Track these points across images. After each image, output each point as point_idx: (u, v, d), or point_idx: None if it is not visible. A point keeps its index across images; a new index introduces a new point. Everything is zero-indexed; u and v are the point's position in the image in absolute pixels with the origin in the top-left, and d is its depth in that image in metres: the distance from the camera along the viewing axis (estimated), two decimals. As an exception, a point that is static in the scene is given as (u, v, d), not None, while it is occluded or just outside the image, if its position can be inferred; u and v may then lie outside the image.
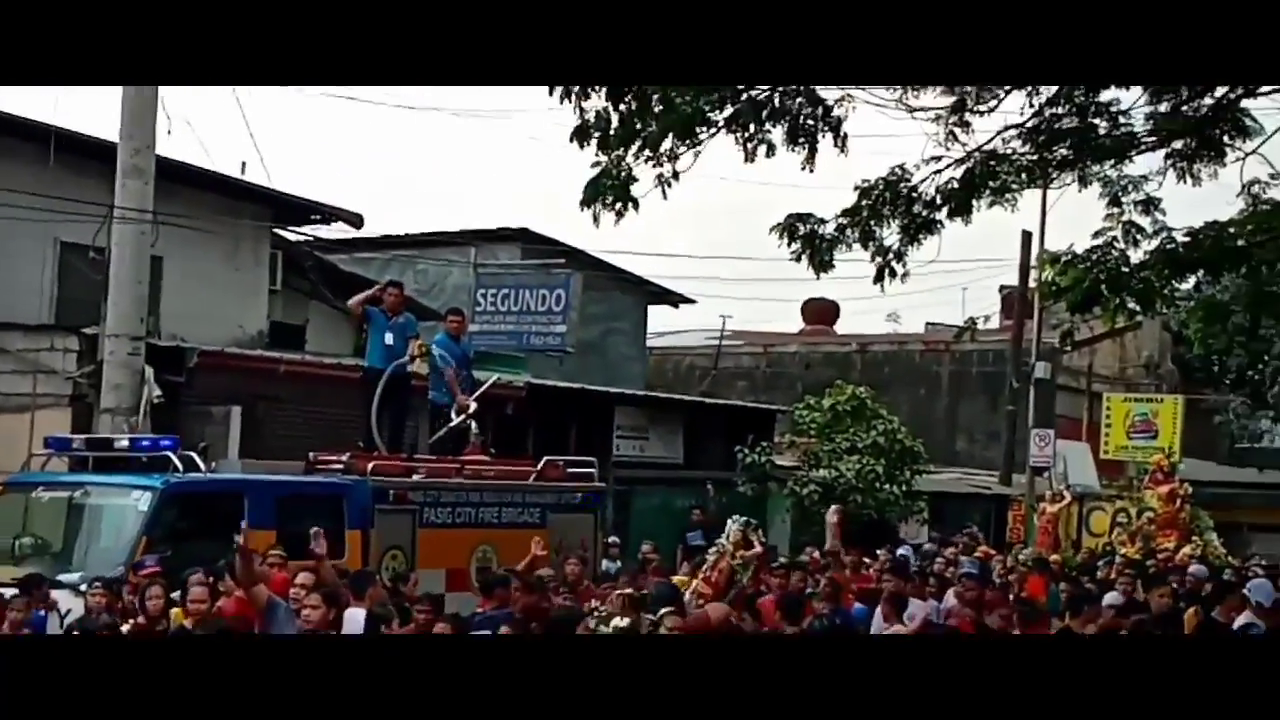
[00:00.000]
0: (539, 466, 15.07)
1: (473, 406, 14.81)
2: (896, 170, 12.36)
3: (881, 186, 12.34)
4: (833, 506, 18.33)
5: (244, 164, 21.28)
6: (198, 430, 15.78)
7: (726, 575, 11.93)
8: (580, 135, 10.96)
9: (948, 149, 12.16)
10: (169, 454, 12.64)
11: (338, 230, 22.68)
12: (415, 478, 13.84)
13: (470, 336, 18.25)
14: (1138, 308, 14.44)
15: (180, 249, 18.30)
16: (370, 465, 13.56)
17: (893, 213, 12.38)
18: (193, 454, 12.77)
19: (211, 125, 21.29)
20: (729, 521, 12.93)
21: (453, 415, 14.75)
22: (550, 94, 10.60)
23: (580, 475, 15.44)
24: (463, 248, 25.41)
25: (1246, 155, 12.76)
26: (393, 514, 13.37)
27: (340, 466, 13.72)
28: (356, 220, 21.83)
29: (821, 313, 39.61)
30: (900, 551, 18.46)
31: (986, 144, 12.28)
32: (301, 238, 22.45)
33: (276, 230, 21.47)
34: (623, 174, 10.98)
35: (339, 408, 15.96)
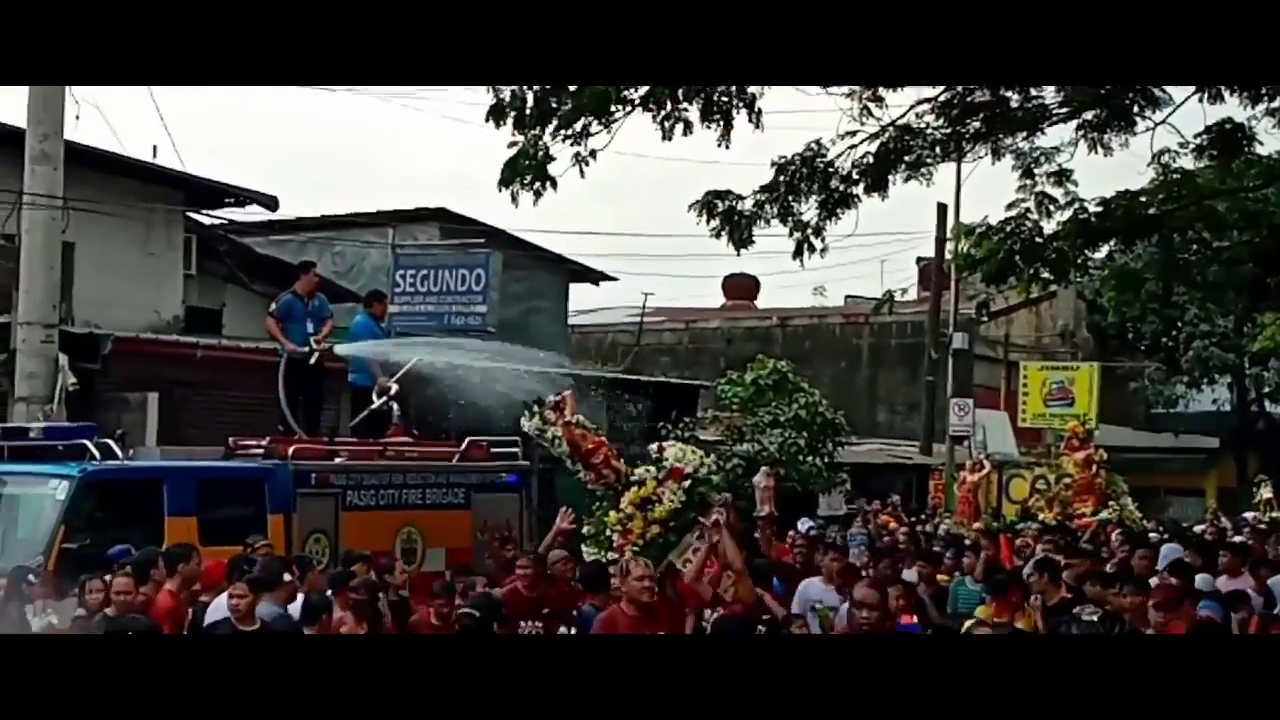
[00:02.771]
0: (462, 447, 15.01)
1: (394, 388, 14.73)
2: (813, 146, 12.46)
3: (798, 163, 12.43)
4: (763, 469, 18.32)
5: (155, 148, 21.02)
6: (115, 418, 15.59)
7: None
8: (496, 115, 10.94)
9: (863, 124, 12.28)
10: (85, 442, 12.49)
11: (253, 213, 22.47)
12: (337, 461, 13.75)
13: (391, 318, 18.16)
14: (1052, 277, 14.65)
15: (92, 235, 18.02)
16: (291, 449, 13.46)
17: (810, 188, 12.48)
18: (109, 442, 12.60)
19: (122, 109, 21.01)
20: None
21: (374, 397, 14.68)
22: (465, 74, 10.56)
23: (504, 455, 15.41)
24: (380, 229, 25.20)
25: (1156, 125, 12.99)
26: (315, 498, 13.27)
27: (261, 451, 13.61)
28: (271, 203, 21.62)
29: (742, 288, 39.78)
30: (809, 524, 18.61)
31: (900, 119, 12.41)
32: (216, 221, 22.21)
33: (190, 214, 21.23)
34: (539, 153, 10.97)
35: (258, 392, 15.82)
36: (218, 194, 21.28)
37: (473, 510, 14.30)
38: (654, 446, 12.41)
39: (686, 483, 11.65)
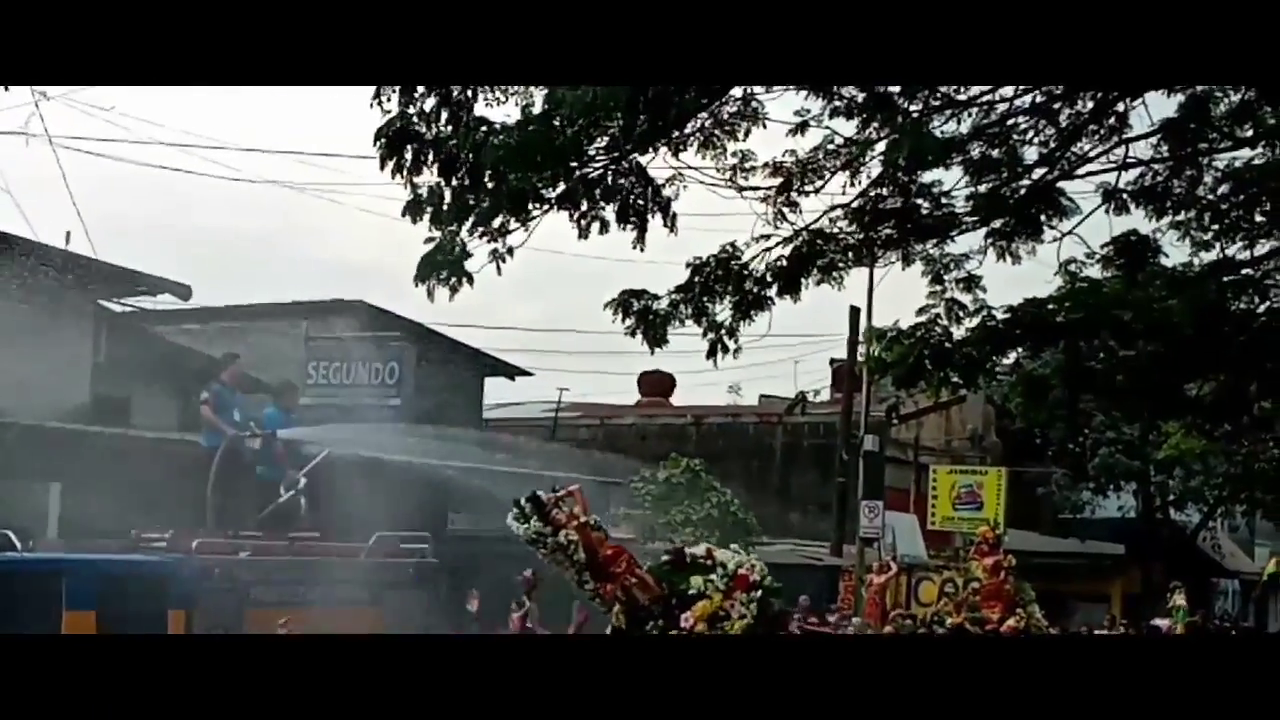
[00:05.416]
0: (370, 543, 14.85)
1: (302, 481, 14.58)
2: (727, 248, 12.57)
3: (713, 264, 12.53)
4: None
5: (69, 233, 20.82)
6: (15, 507, 15.28)
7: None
8: (413, 210, 10.95)
9: (776, 228, 12.42)
10: (-17, 533, 12.23)
11: (165, 302, 22.26)
12: (241, 555, 13.55)
13: (301, 410, 18.01)
14: (961, 382, 14.80)
15: (0, 320, 17.78)
16: (195, 543, 13.26)
17: (724, 289, 12.57)
18: (8, 533, 12.36)
19: (34, 194, 20.84)
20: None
21: (282, 490, 14.51)
22: (381, 169, 10.60)
23: (413, 551, 15.26)
24: (294, 319, 25.08)
25: (1063, 235, 13.24)
26: (218, 593, 13.07)
27: (164, 544, 13.39)
28: (184, 292, 21.46)
29: (658, 385, 39.88)
30: None
31: (814, 223, 12.56)
32: (127, 309, 21.97)
33: (100, 302, 20.99)
34: (456, 250, 10.98)
35: (164, 483, 15.58)
36: (129, 281, 21.08)
37: (381, 608, 14.13)
38: (698, 550, 10.88)
39: (757, 593, 10.27)
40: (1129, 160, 12.85)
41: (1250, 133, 12.78)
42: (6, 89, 15.29)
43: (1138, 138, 12.62)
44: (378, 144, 10.69)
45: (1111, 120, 12.43)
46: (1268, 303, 14.37)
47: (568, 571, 10.04)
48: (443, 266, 10.98)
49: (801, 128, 11.81)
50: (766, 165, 12.07)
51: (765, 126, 11.47)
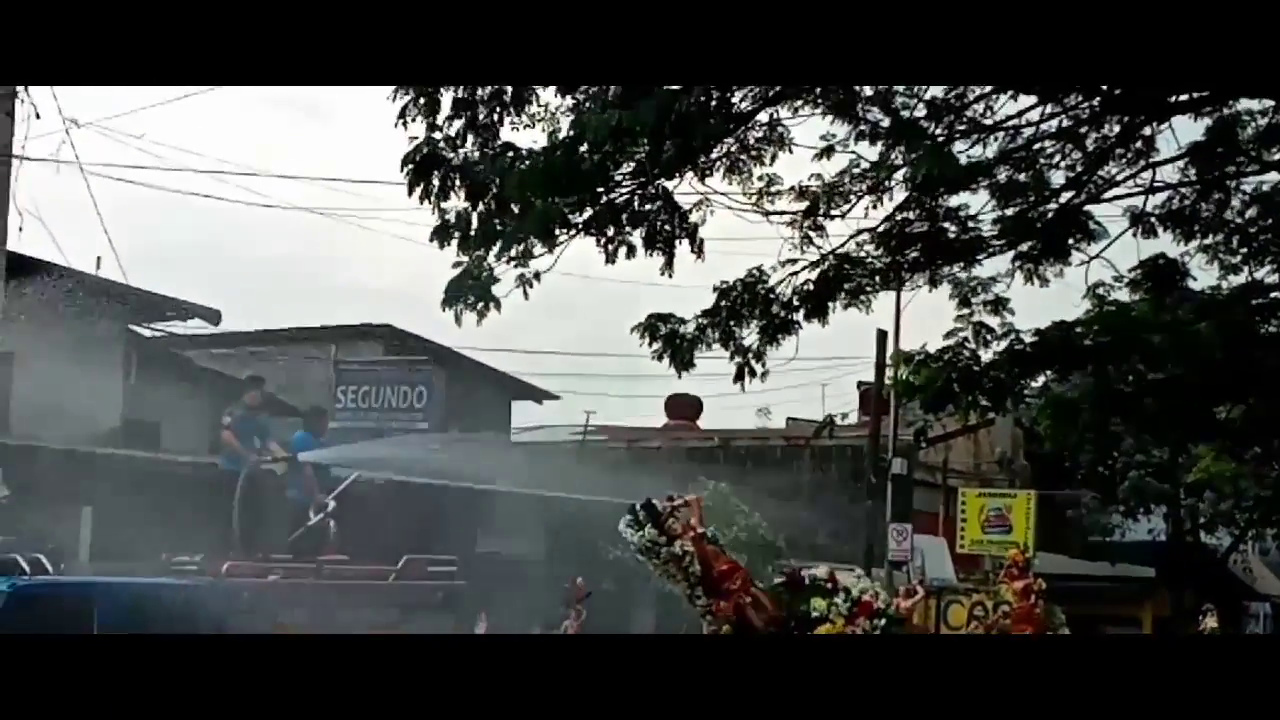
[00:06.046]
0: (399, 565, 14.89)
1: (331, 504, 14.64)
2: (754, 272, 12.61)
3: (740, 288, 12.57)
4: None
5: (99, 259, 21.00)
6: (47, 531, 15.38)
7: None
8: (440, 235, 11.02)
9: (803, 252, 12.46)
10: (16, 556, 12.32)
11: (195, 327, 22.41)
12: (271, 579, 13.61)
13: (331, 434, 18.09)
14: (989, 405, 14.77)
15: (31, 345, 17.92)
16: (225, 566, 13.32)
17: (751, 314, 12.60)
18: (40, 556, 12.45)
19: (66, 220, 21.03)
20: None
21: (310, 514, 14.57)
22: (410, 195, 10.68)
23: (442, 574, 15.30)
24: (323, 344, 25.21)
25: (1091, 259, 13.23)
26: (248, 616, 13.12)
27: (194, 568, 13.46)
28: (214, 317, 21.60)
29: (685, 408, 39.83)
30: None
31: (840, 247, 12.59)
32: (157, 334, 22.12)
33: (131, 327, 21.15)
34: (483, 274, 11.03)
35: (194, 507, 15.67)
36: (160, 307, 21.24)
37: (409, 630, 14.16)
38: (819, 572, 10.42)
39: (881, 621, 9.91)
40: (1156, 184, 12.85)
41: (1278, 156, 12.76)
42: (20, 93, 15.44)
43: (1165, 161, 12.62)
44: (405, 169, 10.78)
45: (1138, 144, 12.44)
46: (1297, 326, 14.32)
47: (679, 585, 9.63)
48: (470, 291, 11.03)
49: (827, 152, 11.84)
50: (792, 189, 12.12)
51: (791, 151, 11.52)
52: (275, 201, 52.90)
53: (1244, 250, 13.53)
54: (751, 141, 11.40)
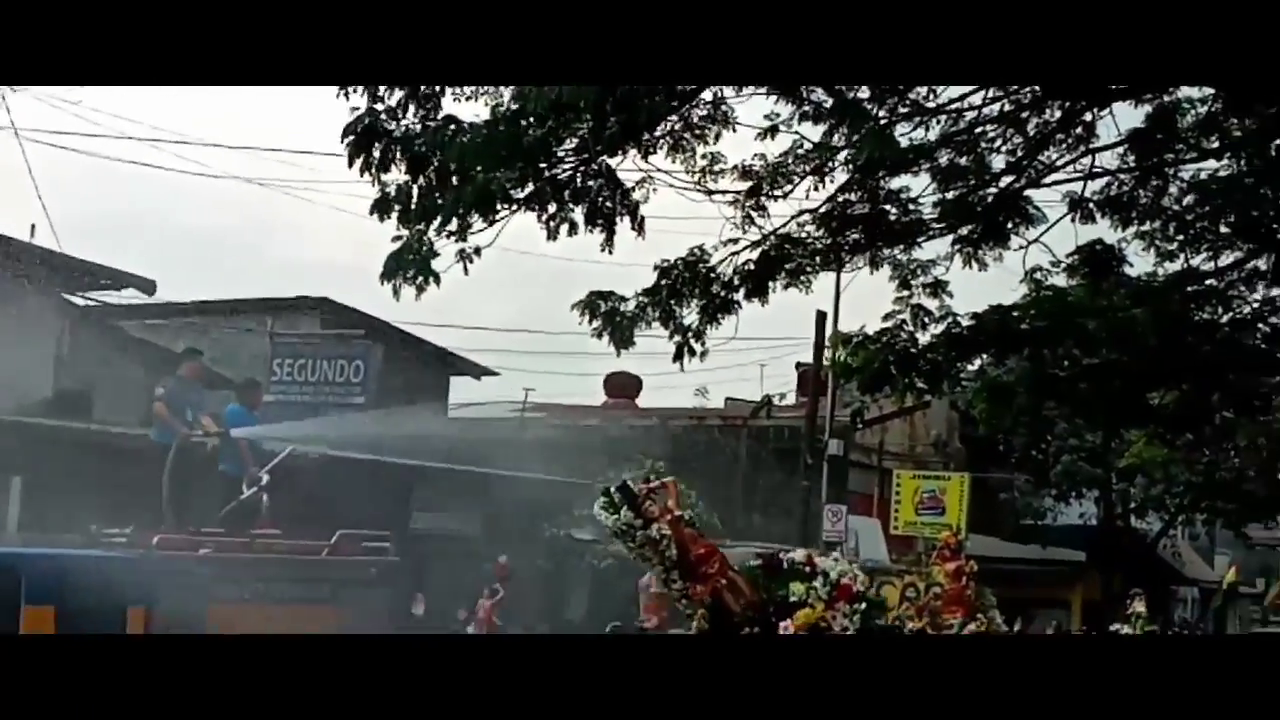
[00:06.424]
0: (332, 541, 14.77)
1: (264, 479, 14.49)
2: (695, 251, 12.59)
3: (681, 267, 12.55)
4: (652, 574, 17.89)
5: (33, 226, 20.69)
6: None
7: None
8: (380, 208, 10.92)
9: (745, 232, 12.45)
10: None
11: (129, 296, 22.14)
12: (202, 552, 13.46)
13: (266, 407, 17.92)
14: (925, 388, 14.85)
15: (-39, 313, 17.66)
16: (155, 539, 13.16)
17: (691, 293, 12.59)
18: (-33, 527, 12.27)
19: (-2, 186, 20.74)
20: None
21: (243, 488, 14.42)
22: (350, 166, 10.57)
23: (375, 550, 15.18)
24: (260, 316, 24.97)
25: (1030, 243, 13.31)
26: (178, 590, 12.96)
27: (124, 540, 13.28)
28: (149, 287, 21.34)
29: (624, 387, 39.80)
30: None
31: (782, 228, 12.60)
32: (91, 304, 21.84)
33: (65, 296, 20.86)
34: (423, 248, 10.95)
35: (125, 479, 15.48)
36: (94, 276, 20.96)
37: (342, 606, 14.06)
38: (796, 555, 10.02)
39: (861, 605, 9.58)
40: (1095, 170, 12.94)
41: (1216, 144, 12.88)
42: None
43: (1104, 147, 12.72)
44: (345, 140, 10.67)
45: (1079, 130, 12.51)
46: (1231, 314, 14.48)
47: (655, 569, 9.40)
48: (409, 265, 10.95)
49: (771, 132, 11.84)
50: (735, 169, 12.10)
51: (735, 130, 11.51)
52: (213, 171, 52.45)
53: (1180, 237, 13.66)
54: (695, 120, 11.37)
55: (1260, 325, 14.66)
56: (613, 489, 9.07)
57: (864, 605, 9.42)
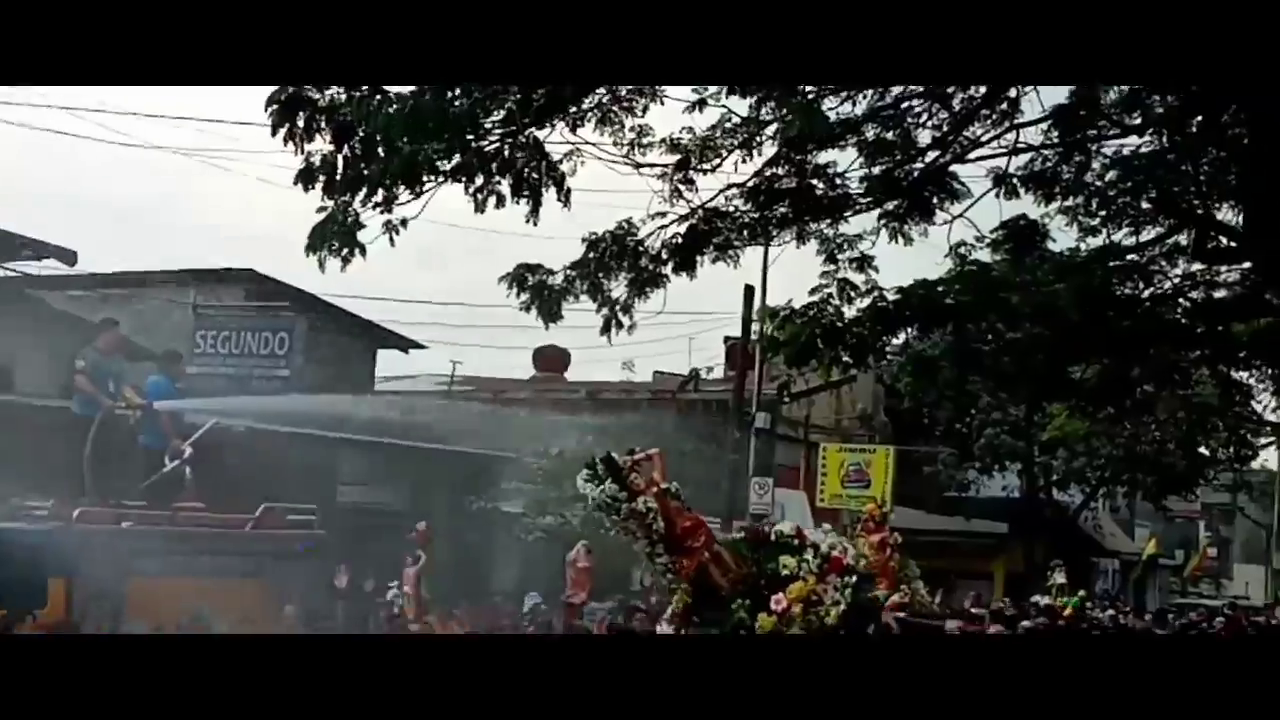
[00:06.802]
0: (257, 514, 14.68)
1: (188, 451, 14.37)
2: (624, 225, 12.58)
3: (609, 240, 12.54)
4: (580, 546, 17.87)
5: (-51, 195, 20.33)
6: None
7: None
8: (305, 179, 10.82)
9: (673, 205, 12.45)
10: None
11: (49, 267, 21.82)
12: (124, 525, 13.34)
13: (189, 379, 17.74)
14: (851, 361, 14.93)
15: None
16: (77, 512, 13.03)
17: (620, 266, 12.59)
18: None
19: (-86, 153, 20.39)
20: None
21: (166, 460, 14.29)
22: (273, 135, 10.45)
23: (300, 523, 15.11)
24: (183, 288, 24.69)
25: (954, 218, 13.39)
26: (100, 563, 12.85)
27: (45, 513, 13.14)
28: (69, 257, 21.03)
29: (552, 360, 39.78)
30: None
31: (710, 201, 12.60)
32: (10, 274, 21.50)
33: (-17, 265, 20.54)
34: (349, 220, 10.87)
35: (47, 451, 15.28)
36: (13, 246, 20.64)
37: (266, 579, 13.99)
38: (785, 527, 9.83)
39: (851, 578, 9.41)
40: (1020, 145, 13.05)
41: (1139, 121, 13.01)
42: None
43: (1029, 123, 12.80)
44: (269, 110, 10.55)
45: (1003, 105, 12.59)
46: (1152, 288, 14.65)
47: (641, 543, 9.01)
48: (334, 237, 10.87)
49: (699, 105, 11.83)
50: (664, 142, 12.09)
51: (663, 103, 11.49)
52: (135, 140, 51.70)
53: (1103, 213, 13.79)
54: (623, 92, 11.34)
55: (1180, 300, 14.85)
56: (597, 459, 8.79)
57: (854, 579, 9.33)
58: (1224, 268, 14.41)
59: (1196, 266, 14.45)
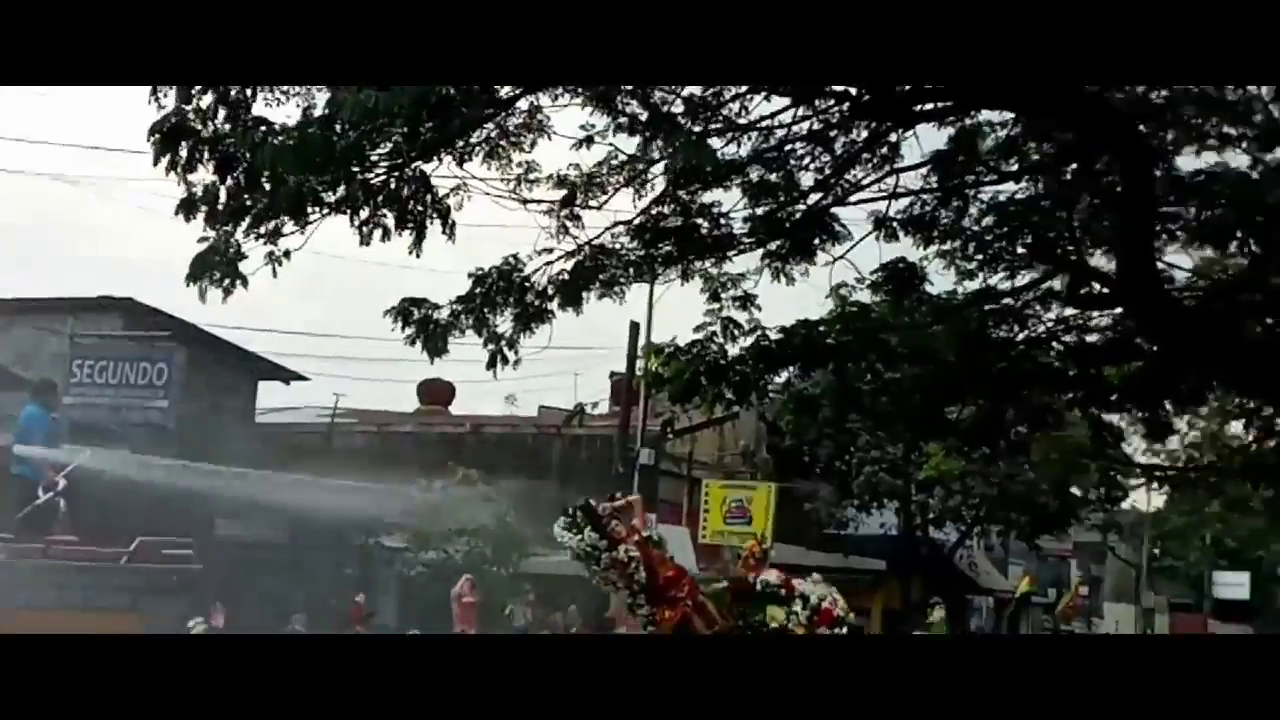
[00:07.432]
0: (132, 547, 14.42)
1: (62, 483, 14.09)
2: (510, 260, 12.61)
3: (495, 275, 12.57)
4: (465, 579, 17.78)
5: None
6: None
7: None
8: (187, 208, 10.73)
9: (559, 241, 12.52)
10: None
11: (-81, 293, 21.32)
12: (-4, 557, 13.05)
13: (64, 409, 17.43)
14: (734, 399, 15.07)
15: None
16: (-57, 544, 12.73)
17: (506, 301, 12.61)
18: None
19: None
20: None
21: (39, 492, 14.01)
22: (155, 165, 10.36)
23: (176, 557, 14.86)
24: (59, 316, 24.24)
25: (835, 260, 13.60)
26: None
27: (-90, 545, 12.82)
28: (-58, 282, 20.58)
29: (437, 393, 39.60)
30: None
31: (596, 238, 12.69)
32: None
33: None
34: (231, 251, 10.78)
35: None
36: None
37: (141, 613, 13.73)
38: (770, 576, 9.19)
39: (843, 630, 8.91)
40: (899, 190, 13.29)
41: (1015, 167, 13.33)
42: None
43: (908, 168, 13.06)
44: (152, 139, 10.45)
45: (884, 150, 12.84)
46: (1026, 332, 14.94)
47: (622, 593, 8.45)
48: (216, 267, 10.78)
49: (586, 141, 11.91)
50: (551, 178, 12.16)
51: (550, 139, 11.56)
52: (12, 166, 50.69)
53: (979, 257, 14.05)
54: (511, 128, 11.40)
55: (1054, 344, 15.16)
56: (574, 508, 8.48)
57: (845, 631, 8.87)
58: (1096, 313, 14.73)
59: (1070, 311, 14.76)
